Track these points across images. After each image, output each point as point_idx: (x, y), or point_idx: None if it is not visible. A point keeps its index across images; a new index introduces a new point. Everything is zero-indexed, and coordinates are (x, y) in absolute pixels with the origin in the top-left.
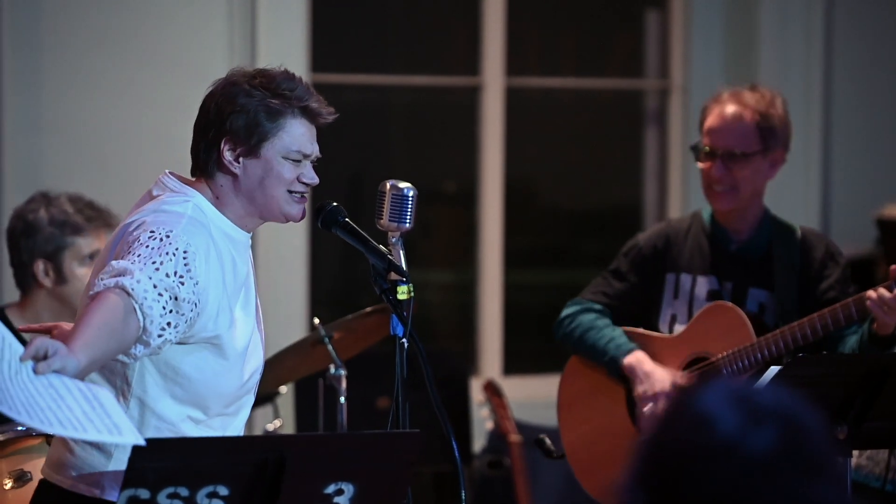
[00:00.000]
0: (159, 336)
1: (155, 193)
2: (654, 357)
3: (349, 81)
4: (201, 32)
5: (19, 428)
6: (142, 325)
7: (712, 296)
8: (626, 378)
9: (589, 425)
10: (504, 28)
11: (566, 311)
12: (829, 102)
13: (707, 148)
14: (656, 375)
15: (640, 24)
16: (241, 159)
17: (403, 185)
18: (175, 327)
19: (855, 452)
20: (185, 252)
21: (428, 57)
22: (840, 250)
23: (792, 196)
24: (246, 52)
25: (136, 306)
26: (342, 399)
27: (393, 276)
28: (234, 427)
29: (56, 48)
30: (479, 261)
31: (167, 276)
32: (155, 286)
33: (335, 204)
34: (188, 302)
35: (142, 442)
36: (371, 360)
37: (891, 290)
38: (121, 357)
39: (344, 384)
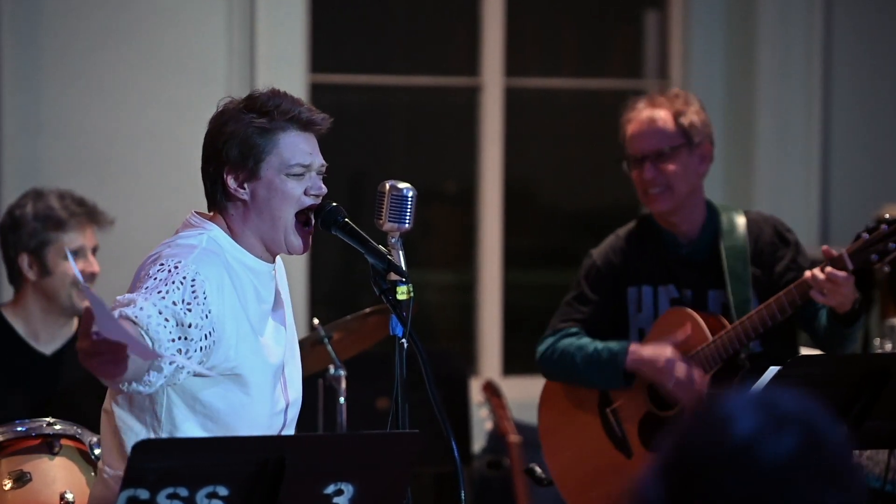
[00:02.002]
0: (171, 363)
1: (178, 231)
2: None
3: (349, 82)
4: (200, 33)
5: (19, 429)
6: (151, 349)
7: (675, 304)
8: (604, 395)
9: (570, 450)
10: (503, 28)
11: (544, 346)
12: (829, 102)
13: (636, 155)
14: (658, 352)
15: (639, 24)
16: (245, 185)
17: (403, 185)
18: (187, 354)
19: (854, 452)
20: (192, 280)
21: (428, 57)
22: (788, 227)
23: (792, 196)
24: (245, 54)
25: (143, 332)
26: (341, 399)
27: (392, 276)
28: None
29: (55, 49)
30: (478, 261)
31: (173, 303)
32: (160, 312)
33: (334, 204)
34: (198, 328)
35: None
36: (370, 361)
37: (823, 271)
38: (136, 386)
39: (343, 384)
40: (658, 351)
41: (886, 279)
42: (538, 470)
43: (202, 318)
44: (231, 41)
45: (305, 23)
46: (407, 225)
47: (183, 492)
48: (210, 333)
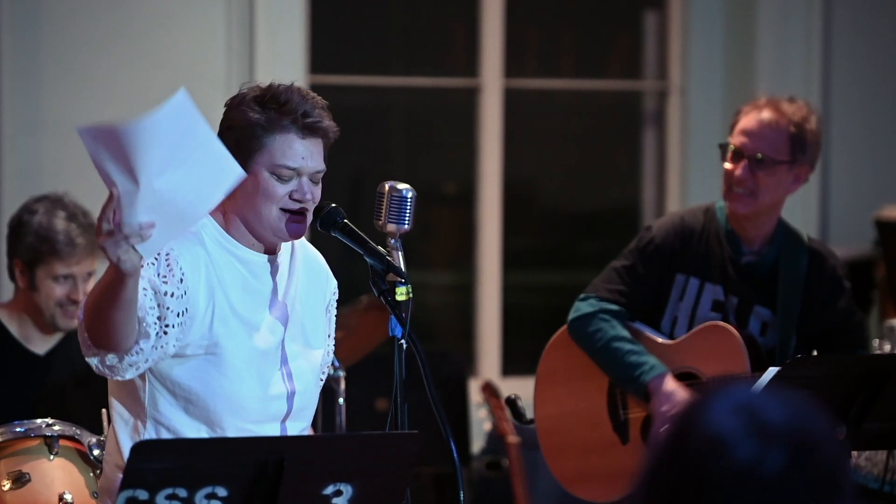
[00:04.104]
0: (154, 328)
1: None
2: None
3: (348, 83)
4: (200, 34)
5: (18, 429)
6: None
7: (717, 306)
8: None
9: (565, 407)
10: (503, 29)
11: (584, 309)
12: (828, 104)
13: (737, 148)
14: (677, 396)
15: (638, 25)
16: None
17: (402, 186)
18: (165, 322)
19: (854, 453)
20: (167, 255)
21: (427, 58)
22: (846, 271)
23: (791, 196)
24: (244, 54)
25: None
26: (341, 400)
27: (392, 277)
28: None
29: (56, 49)
30: (477, 262)
31: (154, 272)
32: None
33: (333, 205)
34: (174, 297)
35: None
36: (369, 362)
37: None
38: (128, 359)
39: (342, 385)
40: (676, 395)
41: (886, 279)
42: (520, 403)
43: (176, 290)
44: (230, 41)
45: (305, 23)
46: (406, 226)
47: (182, 492)
48: (185, 311)
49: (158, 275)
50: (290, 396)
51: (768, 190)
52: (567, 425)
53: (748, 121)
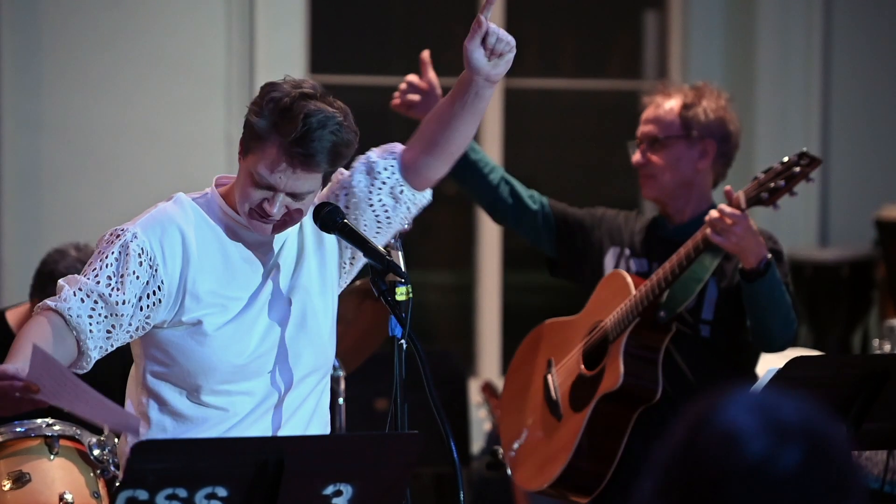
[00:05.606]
0: (95, 351)
1: None
2: (566, 337)
3: (348, 83)
4: (200, 33)
5: (18, 429)
6: (76, 337)
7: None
8: (549, 364)
9: (520, 426)
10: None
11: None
12: (828, 103)
13: (637, 137)
14: None
15: (639, 24)
16: (241, 154)
17: None
18: (121, 327)
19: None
20: (127, 247)
21: None
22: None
23: (791, 198)
24: (245, 54)
25: (66, 322)
26: (340, 400)
27: (391, 277)
28: (264, 418)
29: (55, 49)
30: (477, 262)
31: (108, 277)
32: (83, 300)
33: (333, 205)
34: (129, 304)
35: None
36: (369, 362)
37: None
38: (76, 370)
39: (342, 385)
40: None
41: (886, 279)
42: (500, 453)
43: (140, 283)
44: (231, 41)
45: (305, 23)
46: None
47: (182, 492)
48: (156, 291)
49: (116, 274)
50: (277, 346)
51: (668, 169)
52: (522, 436)
53: (645, 113)
